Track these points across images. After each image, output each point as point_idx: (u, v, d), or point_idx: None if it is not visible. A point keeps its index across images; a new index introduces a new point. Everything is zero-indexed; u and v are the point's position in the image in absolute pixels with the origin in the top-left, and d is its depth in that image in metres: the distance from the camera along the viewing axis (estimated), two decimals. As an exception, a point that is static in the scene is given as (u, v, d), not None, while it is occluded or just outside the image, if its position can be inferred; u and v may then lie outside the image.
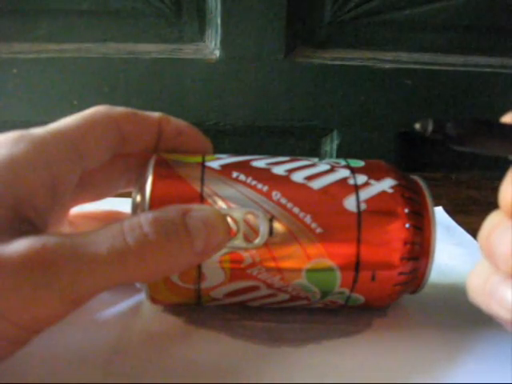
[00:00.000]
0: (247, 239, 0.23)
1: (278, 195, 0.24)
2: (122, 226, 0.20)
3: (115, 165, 0.27)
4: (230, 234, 0.22)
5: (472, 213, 0.45)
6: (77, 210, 0.28)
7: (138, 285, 0.26)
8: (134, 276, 0.20)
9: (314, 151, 0.56)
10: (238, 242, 0.23)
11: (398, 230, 0.24)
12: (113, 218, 0.29)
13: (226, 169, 0.25)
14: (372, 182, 0.25)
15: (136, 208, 0.24)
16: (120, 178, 0.28)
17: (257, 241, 0.23)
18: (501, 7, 0.52)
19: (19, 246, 0.18)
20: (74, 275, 0.19)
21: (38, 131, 0.22)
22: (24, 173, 0.21)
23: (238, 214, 0.23)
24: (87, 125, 0.23)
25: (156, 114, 0.26)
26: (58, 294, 0.18)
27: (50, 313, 0.19)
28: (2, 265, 0.18)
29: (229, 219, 0.23)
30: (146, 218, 0.20)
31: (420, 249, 0.25)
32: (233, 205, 0.23)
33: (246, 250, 0.23)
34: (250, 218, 0.23)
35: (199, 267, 0.24)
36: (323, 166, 0.26)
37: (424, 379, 0.23)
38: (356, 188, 0.25)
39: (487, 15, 0.53)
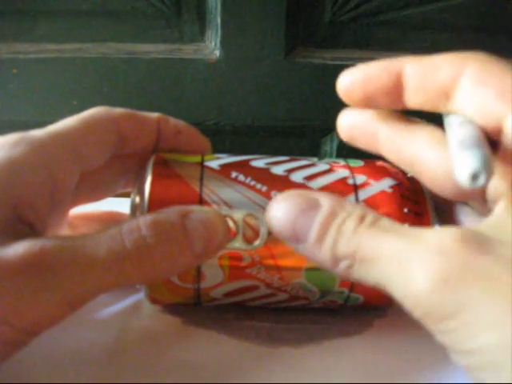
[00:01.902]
0: (247, 240, 0.23)
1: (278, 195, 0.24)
2: (120, 228, 0.20)
3: (114, 165, 0.27)
4: (229, 236, 0.22)
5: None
6: (76, 210, 0.28)
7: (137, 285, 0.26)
8: (132, 279, 0.20)
9: (314, 151, 0.56)
10: (238, 243, 0.23)
11: (397, 230, 0.24)
12: (112, 218, 0.29)
13: (226, 169, 0.25)
14: (371, 181, 0.25)
15: (135, 207, 0.24)
16: (119, 179, 0.28)
17: (257, 242, 0.23)
18: (501, 7, 0.52)
19: (18, 248, 0.18)
20: (73, 278, 0.19)
21: (37, 133, 0.22)
22: (23, 174, 0.21)
23: (237, 215, 0.23)
24: (86, 126, 0.23)
25: (155, 115, 0.26)
26: (56, 297, 0.18)
27: (48, 316, 0.19)
28: (1, 268, 0.18)
29: (228, 220, 0.23)
30: (144, 220, 0.20)
31: (419, 249, 0.25)
32: (232, 205, 0.23)
33: (245, 250, 0.23)
34: (250, 219, 0.23)
35: (198, 267, 0.24)
36: (322, 166, 0.26)
37: (424, 379, 0.23)
38: (355, 188, 0.25)
39: (487, 15, 0.53)
